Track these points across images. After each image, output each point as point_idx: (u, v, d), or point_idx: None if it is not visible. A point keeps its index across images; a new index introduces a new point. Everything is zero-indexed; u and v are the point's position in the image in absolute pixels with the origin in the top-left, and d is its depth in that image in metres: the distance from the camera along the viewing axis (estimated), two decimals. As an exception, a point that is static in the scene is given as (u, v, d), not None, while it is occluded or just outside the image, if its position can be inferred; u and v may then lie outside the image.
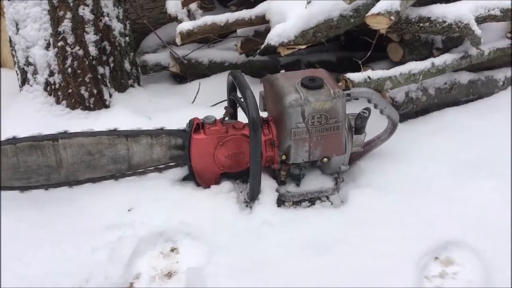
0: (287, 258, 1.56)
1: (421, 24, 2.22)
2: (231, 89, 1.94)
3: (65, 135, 1.74)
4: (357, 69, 2.56)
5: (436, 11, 2.23)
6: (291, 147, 1.79)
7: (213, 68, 2.67)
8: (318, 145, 1.81)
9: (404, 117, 2.38)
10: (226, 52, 2.70)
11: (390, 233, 1.67)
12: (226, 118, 1.86)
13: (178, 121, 2.06)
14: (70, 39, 2.14)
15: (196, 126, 1.81)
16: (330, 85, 1.78)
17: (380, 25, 2.01)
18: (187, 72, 2.66)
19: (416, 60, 2.40)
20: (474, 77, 2.56)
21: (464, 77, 2.52)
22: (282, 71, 1.94)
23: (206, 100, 2.49)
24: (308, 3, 2.20)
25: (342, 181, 1.97)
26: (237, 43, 2.49)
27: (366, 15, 2.01)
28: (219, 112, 2.18)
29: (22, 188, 1.78)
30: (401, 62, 2.45)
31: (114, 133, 1.79)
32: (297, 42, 2.17)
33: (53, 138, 1.73)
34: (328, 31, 2.22)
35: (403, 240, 1.64)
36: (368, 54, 2.21)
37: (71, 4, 2.11)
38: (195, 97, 2.48)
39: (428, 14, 2.23)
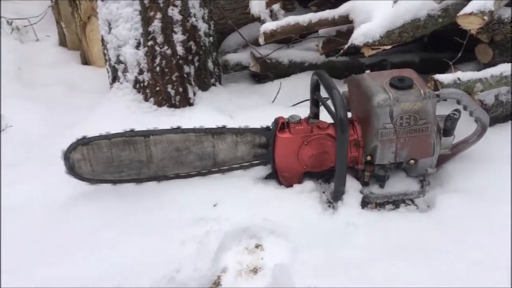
0: (372, 260, 1.53)
1: (514, 24, 2.13)
2: (315, 88, 1.93)
3: (156, 131, 1.81)
4: (441, 71, 2.48)
5: (531, 10, 2.13)
6: (377, 148, 1.76)
7: (293, 68, 2.68)
8: (405, 146, 1.77)
9: (492, 121, 2.26)
10: (306, 52, 2.70)
11: (482, 240, 1.60)
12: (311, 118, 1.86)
13: (259, 120, 2.08)
14: (160, 38, 2.22)
15: (282, 125, 1.82)
16: (420, 85, 1.73)
17: (472, 25, 1.93)
18: (267, 72, 2.68)
19: (507, 62, 2.30)
20: None
21: (561, 81, 2.38)
22: (367, 71, 1.92)
23: (286, 99, 2.50)
24: (395, 2, 2.15)
25: (428, 184, 1.91)
26: (319, 43, 2.49)
27: (458, 14, 1.94)
28: (299, 113, 2.19)
29: (115, 182, 1.87)
30: (490, 64, 2.35)
31: (201, 131, 1.84)
32: (382, 42, 2.14)
33: (145, 134, 1.80)
34: (414, 31, 2.17)
35: (496, 247, 1.56)
36: (459, 55, 2.14)
37: (161, 5, 2.18)
38: (275, 97, 2.50)
39: (522, 14, 2.12)
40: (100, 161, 1.82)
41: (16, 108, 2.47)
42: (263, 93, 2.59)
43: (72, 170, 1.80)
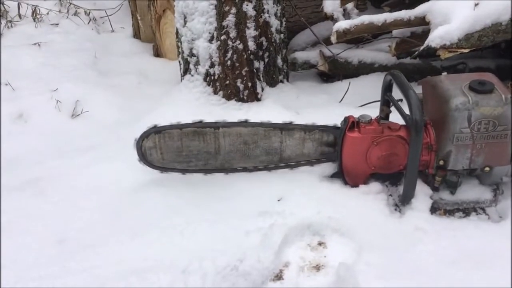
0: (440, 267, 1.49)
1: None
2: (387, 89, 1.90)
3: (225, 123, 1.84)
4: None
5: None
6: (451, 153, 1.71)
7: (362, 69, 2.65)
8: (481, 152, 1.70)
9: None
10: (377, 53, 2.66)
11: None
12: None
13: (325, 118, 2.07)
14: (233, 33, 2.25)
15: (351, 124, 1.80)
16: (502, 90, 1.67)
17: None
18: (336, 71, 2.66)
19: None
20: None
21: None
22: (444, 73, 1.86)
23: (354, 100, 2.47)
24: (476, 5, 2.08)
25: (501, 193, 1.83)
26: (392, 44, 2.44)
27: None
28: (367, 113, 2.16)
29: (184, 171, 1.92)
30: None
31: (270, 125, 1.85)
32: (460, 46, 2.07)
33: (215, 126, 1.83)
34: (495, 35, 2.09)
35: None
36: None
37: (236, 0, 2.21)
38: (343, 96, 2.47)
39: None
40: (170, 150, 1.87)
41: (92, 95, 2.59)
42: (331, 92, 2.57)
43: (144, 157, 1.86)
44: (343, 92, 2.53)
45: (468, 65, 1.89)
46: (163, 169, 1.91)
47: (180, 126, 1.84)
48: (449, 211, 1.79)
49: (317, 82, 2.76)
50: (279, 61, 2.49)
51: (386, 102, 1.93)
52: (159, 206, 1.79)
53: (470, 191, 1.82)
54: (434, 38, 2.08)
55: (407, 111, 1.69)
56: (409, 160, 1.68)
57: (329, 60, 2.61)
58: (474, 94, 1.65)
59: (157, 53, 3.13)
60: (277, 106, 2.34)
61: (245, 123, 1.85)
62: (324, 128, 1.87)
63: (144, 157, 1.87)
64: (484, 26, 2.06)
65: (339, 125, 1.85)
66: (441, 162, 1.74)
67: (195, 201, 1.81)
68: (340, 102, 2.47)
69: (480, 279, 1.44)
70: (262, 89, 2.41)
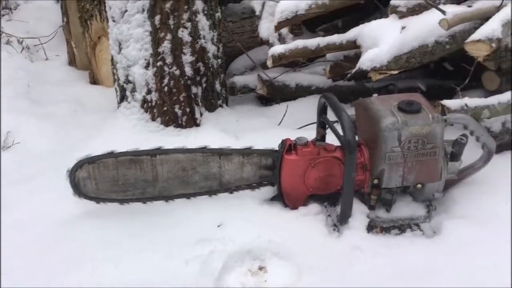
0: (378, 285, 1.51)
1: (521, 52, 2.14)
2: (322, 111, 1.94)
3: (162, 150, 1.81)
4: (447, 97, 2.49)
5: (538, 38, 2.14)
6: (384, 171, 1.76)
7: (299, 92, 2.69)
8: (413, 170, 1.76)
9: (499, 148, 2.26)
10: (313, 76, 2.72)
11: (488, 268, 1.57)
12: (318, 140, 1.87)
13: (265, 141, 2.08)
14: (169, 59, 2.24)
15: (289, 147, 1.82)
16: (428, 109, 1.74)
17: (480, 52, 1.95)
18: (274, 95, 2.69)
19: (514, 89, 2.32)
20: None
21: None
22: (375, 95, 1.92)
23: (292, 122, 2.50)
24: (403, 28, 2.17)
25: (434, 209, 1.89)
26: (326, 67, 2.51)
27: (466, 41, 1.96)
28: (305, 135, 2.18)
29: (121, 201, 1.86)
30: (497, 91, 2.36)
31: (208, 151, 1.84)
32: (389, 67, 2.15)
33: (152, 153, 1.80)
34: (422, 57, 2.18)
35: (502, 277, 1.54)
36: (466, 81, 2.15)
37: (172, 27, 2.21)
38: (282, 119, 2.50)
39: (529, 42, 2.14)
40: (106, 180, 1.82)
41: (25, 125, 2.49)
42: (270, 116, 2.60)
43: (77, 188, 1.80)
44: (281, 115, 2.56)
45: (397, 86, 1.96)
46: (98, 199, 1.85)
47: (115, 155, 1.80)
48: (385, 228, 1.83)
49: (256, 106, 2.79)
50: (217, 86, 2.50)
51: (322, 124, 1.97)
52: (94, 238, 1.73)
53: (405, 208, 1.87)
54: (365, 61, 2.15)
55: (341, 133, 1.73)
56: (344, 180, 1.71)
57: (267, 84, 2.64)
58: (403, 114, 1.71)
59: (94, 81, 3.07)
60: (216, 131, 2.34)
61: (182, 150, 1.83)
62: (262, 152, 1.88)
63: (77, 189, 1.81)
64: (411, 49, 2.15)
65: (277, 148, 1.87)
66: (376, 181, 1.79)
67: (133, 231, 1.76)
68: (279, 125, 2.50)
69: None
70: (201, 114, 2.41)
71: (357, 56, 2.36)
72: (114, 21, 2.30)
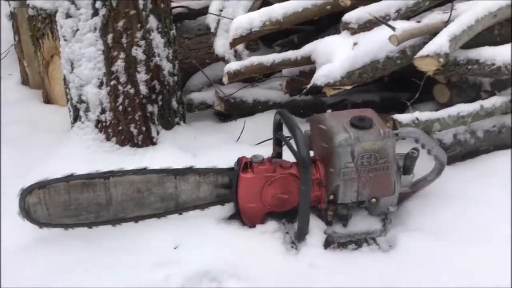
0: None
1: (469, 67, 2.21)
2: (277, 127, 1.95)
3: (116, 172, 1.78)
4: (401, 109, 2.55)
5: (485, 53, 2.22)
6: (339, 187, 1.77)
7: (257, 107, 2.70)
8: (367, 185, 1.79)
9: (451, 160, 2.32)
10: (270, 91, 2.73)
11: (442, 281, 1.61)
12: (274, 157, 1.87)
13: (222, 159, 2.08)
14: (123, 78, 2.21)
15: (244, 165, 1.82)
16: (380, 125, 1.77)
17: (429, 67, 2.01)
18: (232, 111, 2.69)
19: (463, 103, 2.39)
20: (525, 119, 2.50)
21: (514, 119, 2.47)
22: (329, 111, 1.95)
23: (250, 138, 2.50)
24: (355, 44, 2.22)
25: (390, 222, 1.92)
26: (282, 83, 2.53)
27: (415, 57, 2.01)
28: (263, 151, 2.18)
29: (73, 225, 1.81)
30: (448, 104, 2.43)
31: (163, 171, 1.82)
32: (343, 83, 2.18)
33: (104, 176, 1.77)
34: (374, 72, 2.22)
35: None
36: (417, 95, 2.21)
37: (125, 45, 2.18)
38: (240, 136, 2.50)
39: (476, 57, 2.21)
40: (57, 205, 1.77)
41: (-27, 148, 2.40)
42: (228, 132, 2.59)
43: (28, 214, 1.74)
44: (239, 131, 2.55)
45: (350, 101, 1.99)
46: (50, 225, 1.79)
47: (66, 179, 1.75)
48: (342, 243, 1.85)
49: (214, 122, 2.77)
50: (174, 104, 2.47)
51: (278, 140, 1.98)
52: (46, 266, 1.67)
53: (361, 223, 1.90)
54: (319, 77, 2.18)
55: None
56: (300, 197, 1.72)
57: (224, 100, 2.64)
58: (355, 130, 1.74)
59: (47, 100, 3.00)
60: (173, 149, 2.31)
61: (137, 171, 1.80)
62: (219, 171, 1.87)
63: (28, 215, 1.75)
64: (363, 64, 2.19)
65: (233, 167, 1.86)
66: (331, 197, 1.80)
67: (86, 258, 1.71)
68: (237, 141, 2.49)
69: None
70: (158, 133, 2.38)
71: (312, 72, 2.38)
72: (65, 40, 2.25)
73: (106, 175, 1.77)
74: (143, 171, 1.81)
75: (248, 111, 2.70)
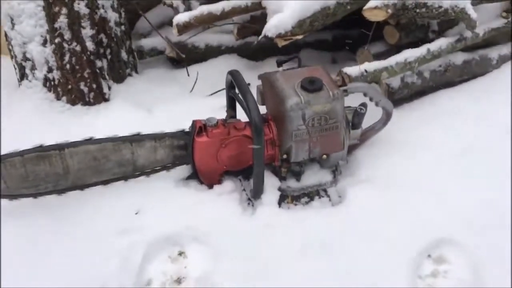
0: (287, 261, 1.64)
1: (417, 10, 2.22)
2: (230, 86, 1.96)
3: (70, 144, 1.78)
4: (353, 48, 2.58)
5: (433, -4, 2.23)
6: (292, 148, 1.84)
7: (209, 52, 2.67)
8: (318, 144, 1.86)
9: (399, 102, 2.42)
10: (222, 35, 2.68)
11: (386, 232, 1.74)
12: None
13: (178, 114, 2.12)
14: (67, 35, 2.13)
15: (199, 129, 1.85)
16: (329, 86, 1.81)
17: (377, 17, 2.04)
18: (184, 57, 2.65)
19: (412, 43, 2.44)
20: (469, 57, 2.59)
21: (459, 58, 2.55)
22: (280, 68, 1.96)
23: (204, 87, 2.51)
24: (305, -9, 2.18)
25: (340, 173, 2.03)
26: (234, 29, 2.49)
27: (364, 8, 2.02)
28: (216, 101, 2.22)
29: (34, 195, 1.84)
30: (397, 44, 2.48)
31: (119, 139, 1.83)
32: (294, 33, 2.18)
33: (59, 147, 1.77)
34: (325, 19, 2.22)
35: (398, 239, 1.72)
36: (368, 44, 2.23)
37: (66, 0, 2.08)
38: (193, 87, 2.49)
39: (424, 0, 2.22)
40: (14, 177, 1.78)
41: None
42: (181, 81, 2.57)
43: (-14, 188, 1.75)
44: (193, 79, 2.54)
45: (300, 59, 2.00)
46: (10, 197, 1.81)
47: (21, 153, 1.75)
48: (296, 197, 1.96)
49: (167, 68, 2.71)
50: (124, 55, 2.42)
51: (231, 99, 2.00)
52: (11, 239, 1.71)
53: (313, 176, 1.99)
54: (270, 28, 2.16)
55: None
56: (254, 160, 1.78)
57: (176, 47, 2.58)
58: (306, 94, 1.77)
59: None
60: (127, 105, 2.30)
61: (91, 141, 1.81)
62: (174, 135, 1.90)
63: (-14, 189, 1.76)
64: (314, 12, 2.18)
65: (188, 130, 1.89)
66: (285, 156, 1.88)
67: (50, 228, 1.75)
68: (190, 92, 2.49)
69: (319, 266, 1.63)
70: (109, 88, 2.35)
71: (264, 16, 2.35)
72: (2, -6, 2.12)
73: (61, 147, 1.77)
74: (99, 140, 1.82)
75: (200, 57, 2.67)
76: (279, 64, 1.97)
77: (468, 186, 1.92)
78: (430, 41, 2.41)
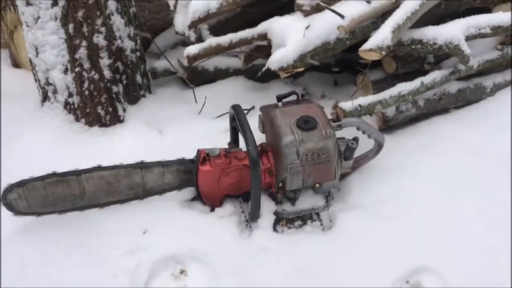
0: (280, 283, 1.82)
1: (413, 46, 2.38)
2: (233, 118, 2.13)
3: (87, 170, 1.98)
4: (355, 70, 2.71)
5: (428, 33, 2.37)
6: (287, 178, 2.02)
7: (218, 75, 2.84)
8: (311, 175, 2.04)
9: (393, 128, 2.58)
10: (230, 59, 2.85)
11: (371, 257, 1.91)
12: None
13: (187, 134, 2.31)
14: (86, 65, 2.32)
15: (203, 158, 2.04)
16: (323, 125, 1.98)
17: (372, 57, 2.18)
18: (195, 78, 2.83)
19: (408, 73, 2.59)
20: (463, 85, 2.70)
21: (453, 87, 2.67)
22: (280, 104, 2.13)
23: (212, 108, 2.67)
24: (307, 28, 2.34)
25: (332, 198, 2.21)
26: (241, 57, 2.66)
27: (359, 49, 2.16)
28: (222, 124, 2.40)
29: (52, 212, 2.05)
30: (394, 74, 2.63)
31: (130, 166, 2.03)
32: (295, 66, 2.34)
33: (77, 173, 1.97)
34: (325, 53, 2.38)
35: (382, 264, 1.88)
36: (367, 71, 2.37)
37: (86, 34, 2.27)
38: (201, 109, 2.67)
39: (420, 37, 2.37)
40: (36, 198, 1.99)
41: None
42: (191, 101, 2.74)
43: (11, 208, 1.97)
44: (202, 99, 2.72)
45: (299, 95, 2.17)
46: (31, 214, 2.03)
47: (42, 178, 1.96)
48: (290, 220, 2.14)
49: (179, 88, 2.88)
50: (139, 78, 2.61)
51: (233, 128, 2.19)
52: (28, 255, 1.91)
53: (308, 200, 2.16)
54: (273, 62, 2.33)
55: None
56: (251, 190, 1.96)
57: (186, 69, 2.76)
58: (301, 132, 1.95)
59: (15, 64, 3.06)
60: (140, 126, 2.50)
61: (105, 167, 2.01)
62: (180, 162, 2.09)
63: (11, 208, 1.97)
64: (315, 47, 2.34)
65: (193, 158, 2.08)
66: (280, 184, 2.06)
67: (65, 243, 1.94)
68: (199, 113, 2.67)
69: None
70: (124, 110, 2.54)
71: (269, 46, 2.52)
72: (28, 26, 2.31)
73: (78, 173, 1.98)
74: (112, 167, 2.02)
75: (210, 78, 2.85)
76: (279, 99, 2.14)
77: (455, 216, 2.06)
78: (425, 72, 2.55)
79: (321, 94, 2.87)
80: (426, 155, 2.39)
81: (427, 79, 2.48)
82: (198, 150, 2.06)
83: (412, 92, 2.43)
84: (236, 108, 2.06)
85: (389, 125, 2.56)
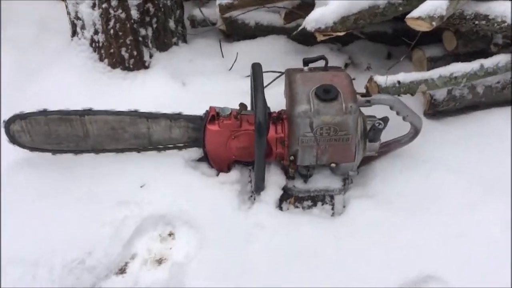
0: (268, 266, 1.66)
1: (476, 22, 2.05)
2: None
3: (90, 112, 1.88)
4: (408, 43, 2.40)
5: (496, 8, 2.04)
6: (298, 151, 1.82)
7: (259, 31, 2.63)
8: (326, 152, 1.83)
9: (443, 114, 2.27)
10: (273, 14, 2.62)
11: (377, 254, 1.70)
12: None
13: (211, 89, 2.15)
14: (114, 2, 2.19)
15: (212, 117, 1.87)
16: (345, 97, 1.74)
17: (421, 27, 1.88)
18: (234, 32, 2.64)
19: (470, 52, 2.26)
20: (535, 76, 2.34)
21: (522, 76, 2.31)
22: (306, 68, 1.90)
23: (244, 66, 2.47)
24: (354, -13, 2.06)
25: (351, 182, 1.98)
26: (281, 14, 2.43)
27: (407, 17, 1.88)
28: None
29: (54, 151, 1.99)
30: (454, 52, 2.30)
31: (135, 114, 1.91)
32: (335, 29, 2.08)
33: (80, 113, 1.88)
34: (372, 18, 2.09)
35: (388, 265, 1.67)
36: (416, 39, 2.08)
37: (116, -33, 2.14)
38: (233, 65, 2.49)
39: (486, 12, 2.04)
40: (39, 133, 1.93)
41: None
42: (226, 55, 2.57)
43: (13, 139, 1.93)
44: (234, 55, 2.53)
45: (327, 60, 1.92)
46: (33, 149, 1.98)
47: (44, 113, 1.89)
48: (299, 198, 1.95)
49: (215, 41, 2.72)
50: (172, 24, 2.46)
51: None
52: (27, 190, 1.88)
53: (323, 180, 1.97)
54: (310, 21, 2.07)
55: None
56: (255, 159, 1.78)
57: (227, 21, 2.58)
58: (317, 102, 1.72)
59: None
60: (164, 75, 2.36)
61: (110, 112, 1.90)
62: (189, 118, 1.94)
63: (13, 139, 1.93)
64: (361, 9, 2.06)
65: (202, 115, 1.92)
66: (292, 157, 1.86)
67: (63, 184, 1.90)
68: (229, 70, 2.49)
69: (300, 277, 1.63)
70: (151, 56, 2.41)
71: (310, 5, 2.27)
72: (61, -45, 2.22)
73: (81, 113, 1.89)
74: (117, 112, 1.90)
75: (250, 34, 2.64)
76: (305, 63, 1.91)
77: (478, 222, 1.79)
78: (490, 54, 2.21)
79: (367, 65, 2.58)
80: (466, 150, 2.09)
81: (489, 62, 2.14)
82: (207, 110, 1.90)
83: (467, 75, 2.10)
84: (254, 66, 1.86)
85: (437, 110, 2.25)
